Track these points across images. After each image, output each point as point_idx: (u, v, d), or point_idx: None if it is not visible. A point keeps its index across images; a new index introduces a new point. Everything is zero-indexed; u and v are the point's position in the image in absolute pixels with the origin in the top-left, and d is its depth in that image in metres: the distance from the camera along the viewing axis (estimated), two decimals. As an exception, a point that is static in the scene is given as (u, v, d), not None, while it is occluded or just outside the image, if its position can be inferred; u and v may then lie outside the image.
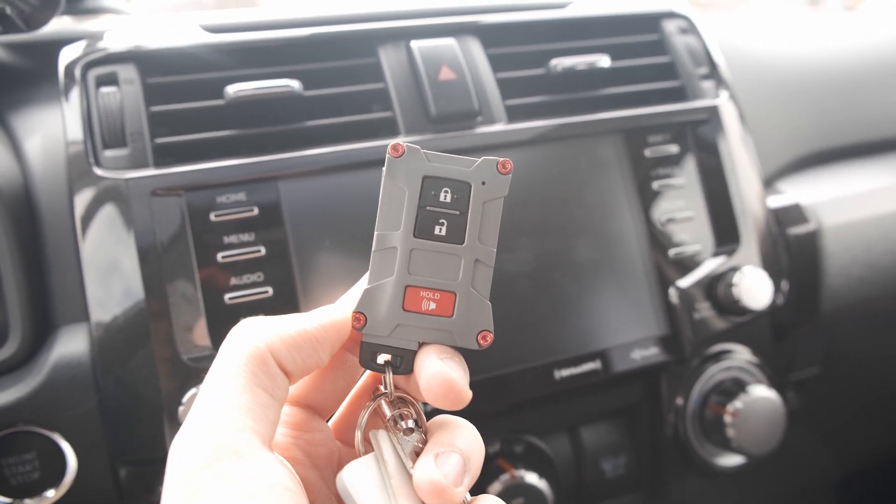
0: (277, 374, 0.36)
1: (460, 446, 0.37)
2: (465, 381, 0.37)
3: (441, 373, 0.37)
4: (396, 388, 0.40)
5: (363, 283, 0.40)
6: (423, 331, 0.39)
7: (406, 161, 0.39)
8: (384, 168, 0.39)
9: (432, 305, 0.39)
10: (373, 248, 0.39)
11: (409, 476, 0.36)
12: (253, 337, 0.37)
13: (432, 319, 0.39)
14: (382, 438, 0.38)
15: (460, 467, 0.36)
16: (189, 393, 0.64)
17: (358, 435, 0.39)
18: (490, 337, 0.39)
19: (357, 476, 0.37)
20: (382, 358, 0.39)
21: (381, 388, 0.40)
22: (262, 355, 0.36)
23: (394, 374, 0.39)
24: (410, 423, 0.39)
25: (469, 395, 0.37)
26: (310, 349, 0.38)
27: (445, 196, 0.39)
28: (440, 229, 0.39)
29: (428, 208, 0.39)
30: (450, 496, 0.35)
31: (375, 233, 0.39)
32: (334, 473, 0.39)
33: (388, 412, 0.39)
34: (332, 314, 0.39)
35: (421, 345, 0.39)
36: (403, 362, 0.39)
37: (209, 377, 0.36)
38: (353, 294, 0.41)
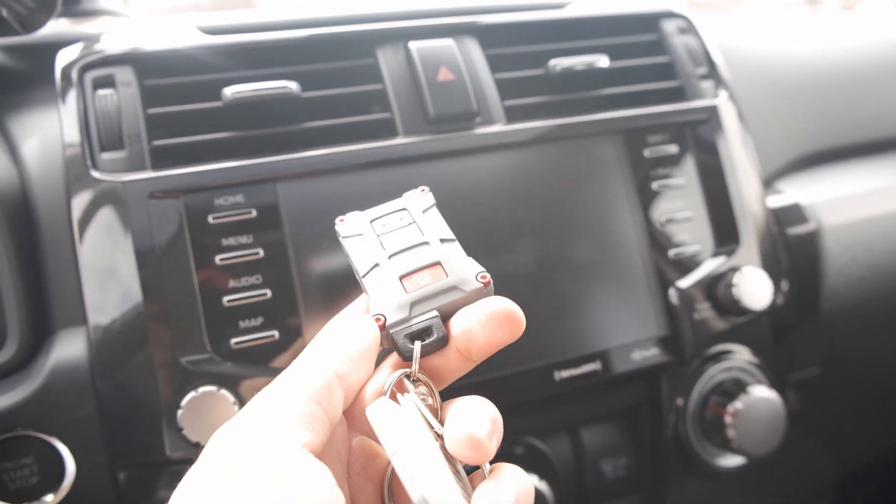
0: (338, 393, 0.39)
1: (487, 409, 0.39)
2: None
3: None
4: (421, 370, 0.42)
5: (360, 302, 0.45)
6: (435, 297, 0.42)
7: (351, 220, 0.47)
8: (339, 238, 0.47)
9: (428, 278, 0.43)
10: (361, 278, 0.44)
11: (437, 436, 0.38)
12: (331, 358, 0.39)
13: (435, 286, 0.43)
14: (409, 398, 0.40)
15: (490, 426, 0.38)
16: (188, 396, 0.64)
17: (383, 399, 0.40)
18: (487, 276, 0.43)
19: (388, 407, 0.38)
20: (407, 335, 0.42)
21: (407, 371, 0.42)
22: (332, 381, 0.38)
23: (431, 351, 0.41)
24: (430, 401, 0.41)
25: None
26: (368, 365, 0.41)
27: (393, 221, 0.47)
28: (402, 240, 0.45)
29: (385, 234, 0.46)
30: (486, 448, 0.36)
31: (358, 274, 0.45)
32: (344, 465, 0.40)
33: (410, 388, 0.41)
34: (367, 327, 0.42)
35: (441, 315, 0.42)
36: (434, 336, 0.41)
37: (285, 375, 0.39)
38: (356, 305, 0.45)
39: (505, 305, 0.41)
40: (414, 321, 0.42)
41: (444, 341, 0.41)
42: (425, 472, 0.34)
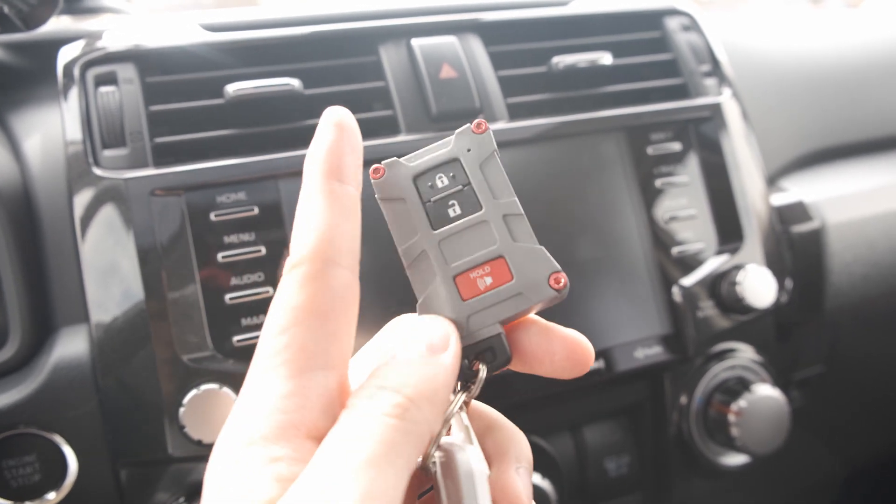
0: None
1: (527, 457, 0.36)
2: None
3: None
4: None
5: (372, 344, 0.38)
6: (497, 308, 0.35)
7: (390, 176, 0.37)
8: (376, 195, 0.37)
9: (489, 280, 0.35)
10: (405, 266, 0.36)
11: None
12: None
13: (497, 292, 0.35)
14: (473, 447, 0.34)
15: (529, 480, 0.35)
16: (190, 394, 0.64)
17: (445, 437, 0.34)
18: (563, 278, 0.35)
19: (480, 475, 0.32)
20: (474, 354, 0.35)
21: (458, 386, 0.35)
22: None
23: (493, 371, 0.35)
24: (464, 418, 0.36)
25: None
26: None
27: (442, 181, 0.37)
28: (454, 210, 0.37)
29: (433, 200, 0.37)
30: None
31: (400, 249, 0.37)
32: None
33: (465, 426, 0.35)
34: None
35: (504, 325, 0.35)
36: (496, 353, 0.35)
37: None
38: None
39: (583, 344, 0.35)
40: (472, 337, 0.35)
41: (507, 362, 0.35)
42: None
